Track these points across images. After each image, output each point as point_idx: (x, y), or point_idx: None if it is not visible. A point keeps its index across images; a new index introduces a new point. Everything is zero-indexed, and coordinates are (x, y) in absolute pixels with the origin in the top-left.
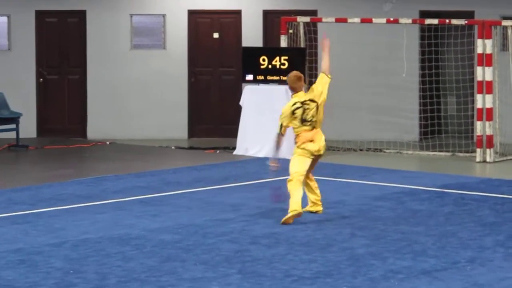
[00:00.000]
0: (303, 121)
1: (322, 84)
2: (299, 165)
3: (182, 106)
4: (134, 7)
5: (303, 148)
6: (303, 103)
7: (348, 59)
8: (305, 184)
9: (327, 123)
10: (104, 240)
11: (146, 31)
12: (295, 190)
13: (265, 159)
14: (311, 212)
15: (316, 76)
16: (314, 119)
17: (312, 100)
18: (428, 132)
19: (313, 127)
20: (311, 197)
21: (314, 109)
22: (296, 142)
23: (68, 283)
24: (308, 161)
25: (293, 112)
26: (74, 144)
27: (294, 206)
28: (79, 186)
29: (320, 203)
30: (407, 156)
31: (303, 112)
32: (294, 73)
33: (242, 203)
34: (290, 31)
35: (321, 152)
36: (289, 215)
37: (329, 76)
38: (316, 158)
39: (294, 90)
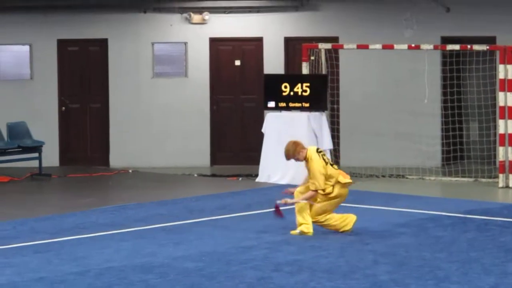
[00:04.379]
0: (331, 165)
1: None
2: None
3: (204, 134)
4: (155, 35)
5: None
6: (317, 150)
7: (370, 85)
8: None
9: (349, 150)
10: (127, 268)
11: (168, 59)
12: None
13: (287, 185)
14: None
15: (337, 102)
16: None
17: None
18: (450, 158)
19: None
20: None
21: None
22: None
23: None
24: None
25: (325, 161)
26: (97, 173)
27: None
28: (102, 215)
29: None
30: (430, 182)
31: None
32: (289, 145)
33: (265, 230)
34: (312, 57)
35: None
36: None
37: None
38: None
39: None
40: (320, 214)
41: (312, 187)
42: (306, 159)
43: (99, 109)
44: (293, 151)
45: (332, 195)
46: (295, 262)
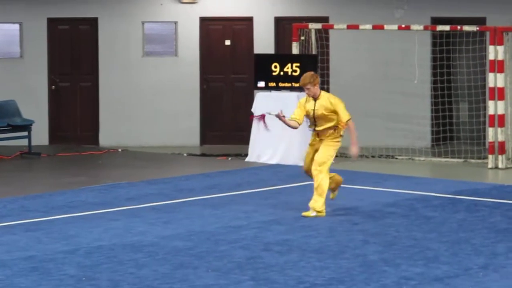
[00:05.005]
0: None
1: (341, 109)
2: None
3: (194, 113)
4: (146, 15)
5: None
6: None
7: (360, 65)
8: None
9: None
10: (117, 247)
11: (158, 38)
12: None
13: (276, 165)
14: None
15: (327, 83)
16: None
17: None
18: (440, 139)
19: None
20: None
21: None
22: (339, 133)
23: None
24: None
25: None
26: (86, 152)
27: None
28: (92, 193)
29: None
30: (419, 163)
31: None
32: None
33: (254, 209)
34: (302, 37)
35: None
36: (314, 214)
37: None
38: None
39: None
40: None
41: (346, 117)
42: (319, 97)
43: (89, 88)
44: (311, 79)
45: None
46: (284, 242)
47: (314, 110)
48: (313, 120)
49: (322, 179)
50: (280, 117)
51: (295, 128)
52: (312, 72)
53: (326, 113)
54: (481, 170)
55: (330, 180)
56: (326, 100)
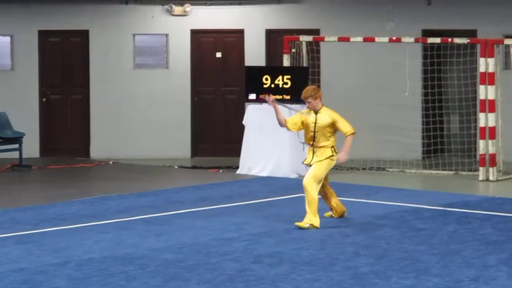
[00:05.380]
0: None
1: (342, 122)
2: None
3: (185, 125)
4: (137, 27)
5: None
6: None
7: (351, 78)
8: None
9: None
10: (107, 259)
11: (149, 51)
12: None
13: (267, 178)
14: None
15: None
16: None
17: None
18: (431, 151)
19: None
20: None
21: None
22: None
23: None
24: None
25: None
26: (77, 164)
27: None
28: (83, 206)
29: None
30: (410, 175)
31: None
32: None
33: (245, 222)
34: (293, 50)
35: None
36: (307, 226)
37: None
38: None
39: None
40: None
41: (349, 129)
42: (320, 111)
43: (80, 100)
44: (312, 93)
45: (334, 157)
46: (275, 254)
47: (315, 123)
48: (313, 134)
49: (313, 193)
50: (271, 102)
51: (281, 124)
52: (314, 86)
53: (325, 126)
54: (472, 182)
55: (335, 205)
56: (326, 114)
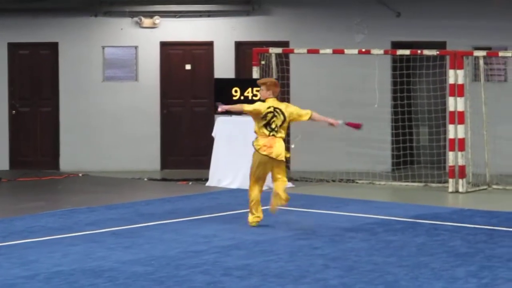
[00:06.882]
0: (267, 125)
1: (298, 111)
2: (253, 167)
3: (155, 138)
4: (106, 39)
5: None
6: (275, 109)
7: (320, 89)
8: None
9: (299, 154)
10: (77, 272)
11: (119, 63)
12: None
13: (237, 190)
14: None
15: None
16: (276, 129)
17: (282, 112)
18: (400, 163)
19: (272, 135)
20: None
21: (280, 121)
22: (254, 145)
23: None
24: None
25: (265, 115)
26: (47, 176)
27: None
28: (52, 218)
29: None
30: (380, 187)
31: (271, 118)
32: (272, 79)
33: (215, 234)
34: (262, 62)
35: (280, 158)
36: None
37: (308, 118)
38: (278, 163)
39: (271, 94)
40: None
41: (307, 113)
42: (267, 101)
43: (50, 112)
44: (267, 81)
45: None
46: (245, 267)
47: (268, 108)
48: (273, 124)
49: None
50: (222, 109)
51: (239, 110)
52: (276, 81)
53: (283, 111)
54: (441, 194)
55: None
56: (279, 104)
